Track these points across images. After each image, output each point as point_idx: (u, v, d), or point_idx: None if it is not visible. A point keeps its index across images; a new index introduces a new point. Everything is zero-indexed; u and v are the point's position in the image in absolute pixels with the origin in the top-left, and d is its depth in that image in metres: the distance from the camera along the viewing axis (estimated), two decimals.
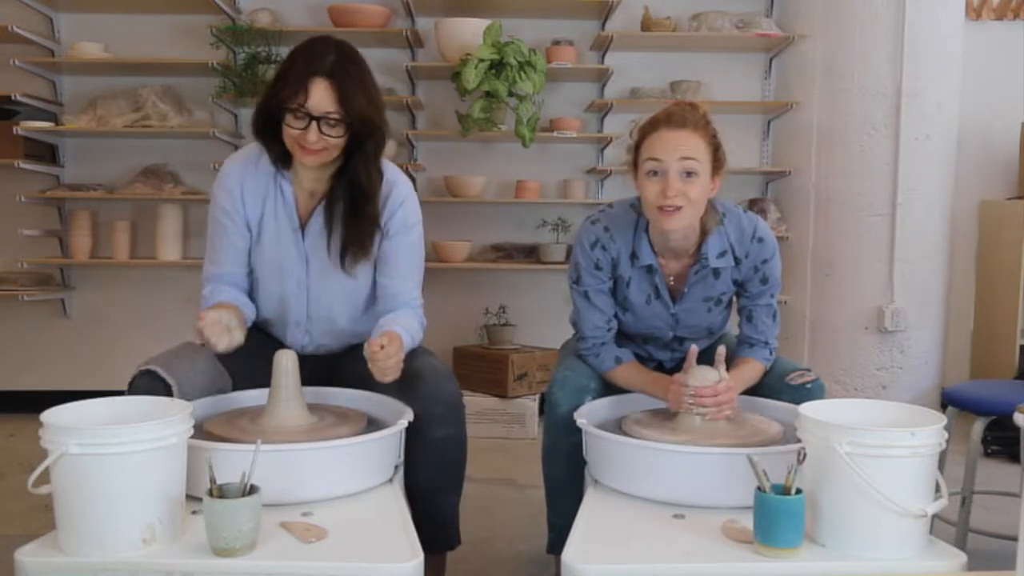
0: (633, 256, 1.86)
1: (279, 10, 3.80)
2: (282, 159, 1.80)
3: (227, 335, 1.67)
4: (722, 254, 1.83)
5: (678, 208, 1.71)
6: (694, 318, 1.92)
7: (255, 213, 1.84)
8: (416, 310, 1.89)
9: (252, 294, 1.91)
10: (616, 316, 1.94)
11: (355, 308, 1.91)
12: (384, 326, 1.77)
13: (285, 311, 1.90)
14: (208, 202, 3.59)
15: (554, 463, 1.89)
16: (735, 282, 1.89)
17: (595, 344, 1.92)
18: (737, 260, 1.85)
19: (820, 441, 1.31)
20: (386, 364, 1.64)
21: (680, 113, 1.73)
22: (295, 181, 1.84)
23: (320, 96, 1.66)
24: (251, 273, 1.89)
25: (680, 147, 1.70)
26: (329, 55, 1.69)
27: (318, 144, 1.69)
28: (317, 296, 1.88)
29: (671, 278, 1.89)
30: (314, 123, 1.67)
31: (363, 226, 1.80)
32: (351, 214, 1.79)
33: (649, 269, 1.86)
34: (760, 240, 1.85)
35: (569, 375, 1.88)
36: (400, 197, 1.85)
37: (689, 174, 1.70)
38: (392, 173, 1.87)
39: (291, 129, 1.69)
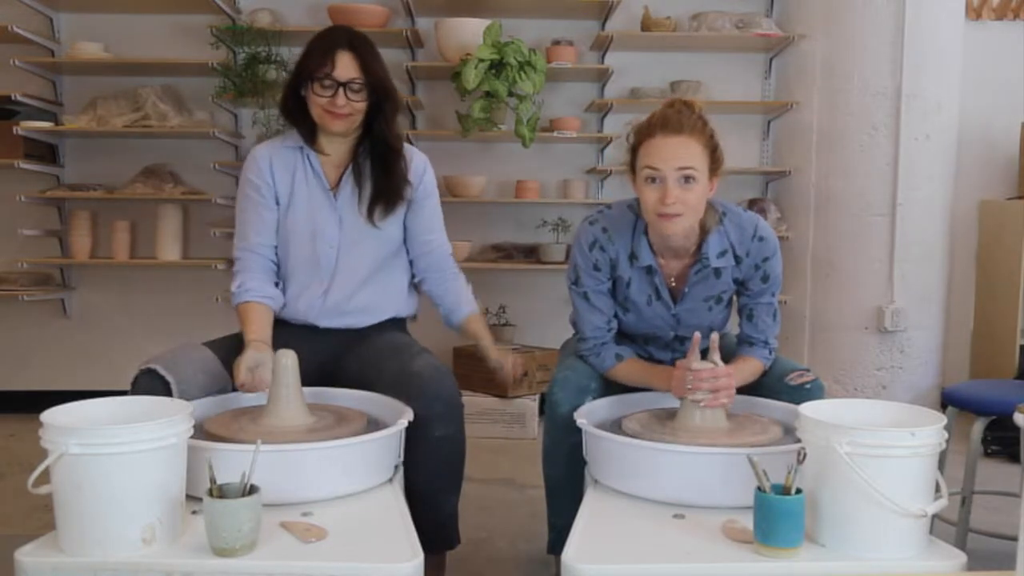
0: (632, 257, 1.86)
1: (279, 10, 3.80)
2: (309, 137, 1.98)
3: (265, 370, 1.73)
4: (722, 253, 1.83)
5: (677, 215, 1.71)
6: (695, 318, 1.92)
7: (285, 185, 1.99)
8: (454, 264, 2.13)
9: (281, 262, 2.01)
10: (617, 316, 1.94)
11: (379, 260, 2.02)
12: (477, 329, 2.09)
13: (312, 271, 1.99)
14: (208, 202, 3.60)
15: (554, 463, 1.89)
16: (735, 281, 1.89)
17: (596, 344, 1.92)
18: (738, 259, 1.84)
19: (820, 441, 1.31)
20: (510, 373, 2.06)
21: (676, 117, 1.71)
22: (321, 153, 1.99)
23: (344, 64, 1.87)
24: (278, 247, 2.01)
25: (677, 155, 1.69)
26: (346, 34, 1.92)
27: (345, 108, 1.88)
28: (346, 254, 1.98)
29: (671, 278, 1.89)
30: (341, 89, 1.86)
31: (393, 180, 1.98)
32: (381, 169, 1.98)
33: (649, 270, 1.86)
34: (761, 239, 1.84)
35: (570, 375, 1.87)
36: (421, 164, 2.06)
37: (687, 180, 1.70)
38: (406, 146, 2.06)
39: (320, 98, 1.88)
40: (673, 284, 1.89)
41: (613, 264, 1.87)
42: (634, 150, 1.77)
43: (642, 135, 1.74)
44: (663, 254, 1.86)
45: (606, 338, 1.93)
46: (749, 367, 1.87)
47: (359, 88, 1.88)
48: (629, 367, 1.92)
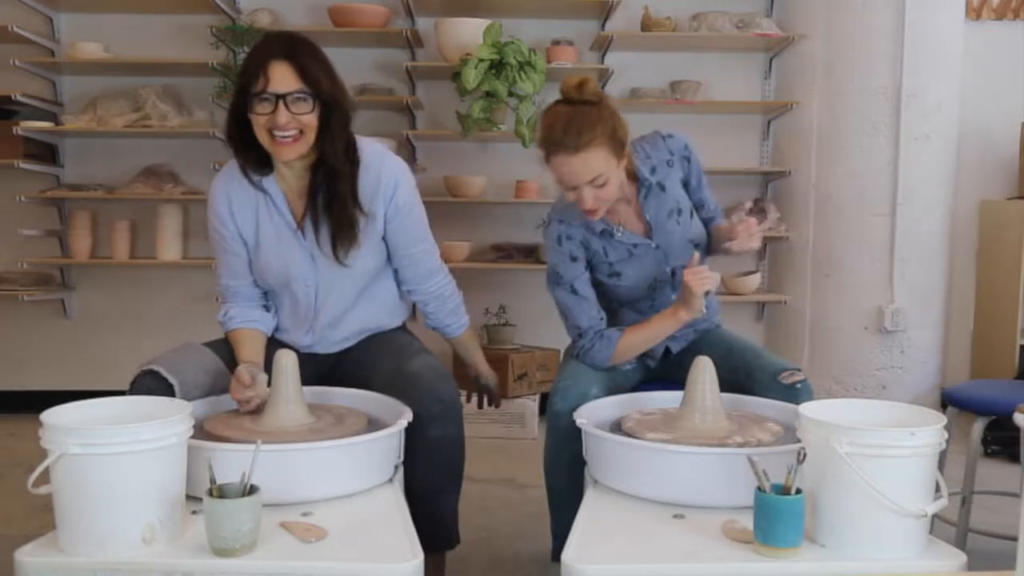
0: (589, 229, 1.93)
1: (279, 10, 3.80)
2: (259, 166, 1.81)
3: (259, 388, 1.69)
4: (653, 170, 1.94)
5: (597, 208, 1.82)
6: (675, 241, 1.97)
7: (249, 224, 1.86)
8: (446, 273, 2.03)
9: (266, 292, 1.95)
10: (613, 291, 2.00)
11: (360, 292, 1.94)
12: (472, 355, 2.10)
13: (294, 309, 1.93)
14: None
15: (556, 473, 1.90)
16: (683, 185, 2.00)
17: (595, 333, 1.94)
18: (669, 162, 1.96)
19: (820, 441, 1.31)
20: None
21: (575, 134, 1.72)
22: (280, 183, 1.85)
23: (280, 75, 1.68)
24: (256, 281, 1.93)
25: (582, 173, 1.75)
26: (283, 40, 1.73)
27: (290, 125, 1.69)
28: (326, 292, 1.90)
29: (632, 222, 1.96)
30: (280, 103, 1.67)
31: (344, 209, 1.79)
32: (333, 204, 1.79)
33: (607, 233, 1.93)
34: (670, 136, 1.98)
35: (570, 384, 1.88)
36: (391, 180, 1.85)
37: (599, 185, 1.77)
38: (376, 158, 1.85)
39: (260, 117, 1.69)
40: (635, 227, 1.97)
41: (585, 245, 1.94)
42: (543, 152, 1.80)
43: (546, 146, 1.78)
44: (612, 209, 1.92)
45: (601, 326, 1.95)
46: (721, 231, 2.00)
47: (302, 99, 1.68)
48: (632, 332, 1.94)
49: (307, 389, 1.71)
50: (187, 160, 3.89)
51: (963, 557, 1.31)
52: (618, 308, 2.06)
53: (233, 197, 1.85)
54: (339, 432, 1.59)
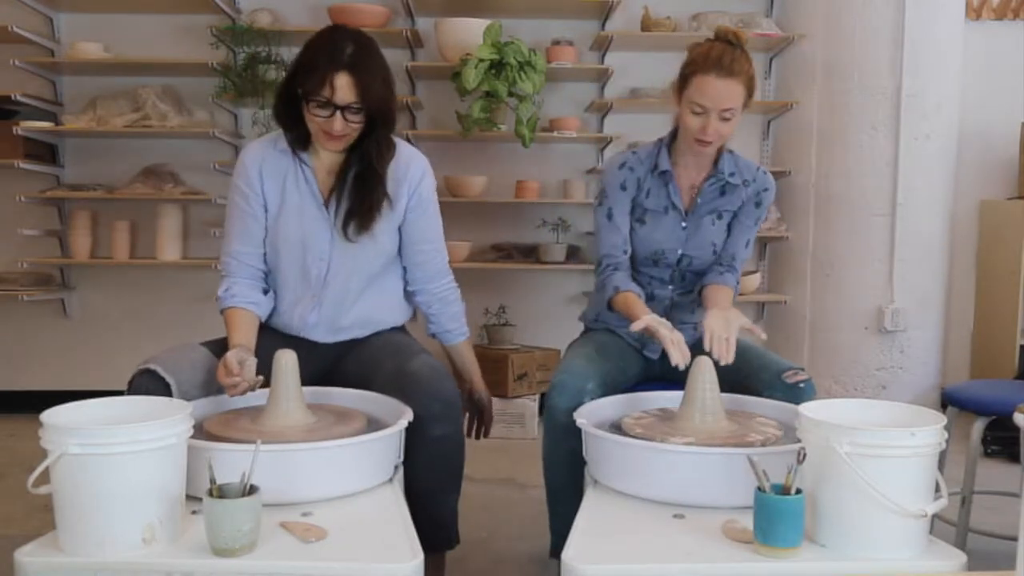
0: (654, 168, 2.05)
1: (279, 10, 3.80)
2: (300, 141, 1.90)
3: (247, 373, 1.70)
4: (732, 174, 2.06)
5: (712, 141, 1.95)
6: (702, 233, 2.06)
7: (275, 190, 1.93)
8: (451, 280, 2.07)
9: (271, 270, 1.97)
10: (634, 240, 2.06)
11: (373, 273, 1.97)
12: (467, 365, 2.12)
13: (303, 282, 1.94)
14: (208, 202, 3.59)
15: (554, 469, 1.90)
16: (735, 212, 2.09)
17: (608, 267, 2.04)
18: (745, 182, 2.07)
19: (820, 441, 1.31)
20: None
21: (729, 61, 1.89)
22: (314, 160, 1.93)
23: (343, 89, 1.77)
24: (267, 254, 1.95)
25: (724, 98, 1.90)
26: (347, 47, 1.79)
27: (343, 131, 1.81)
28: (338, 267, 1.93)
29: (686, 191, 2.07)
30: (338, 112, 1.78)
31: (369, 199, 1.90)
32: (359, 187, 1.90)
33: (664, 176, 2.04)
34: (765, 172, 2.12)
35: (566, 378, 1.87)
36: (419, 170, 1.98)
37: (728, 118, 1.92)
38: (407, 150, 1.99)
39: (316, 117, 1.81)
40: (686, 199, 2.07)
41: (639, 183, 2.06)
42: (685, 76, 1.94)
43: (696, 66, 1.92)
44: (685, 165, 2.05)
45: (619, 259, 2.04)
46: (724, 297, 2.01)
47: (357, 111, 1.80)
48: (627, 299, 1.98)
49: (307, 389, 1.71)
50: (187, 160, 3.89)
51: (963, 557, 1.31)
52: (634, 263, 2.11)
53: (265, 163, 1.93)
54: (339, 432, 1.59)
